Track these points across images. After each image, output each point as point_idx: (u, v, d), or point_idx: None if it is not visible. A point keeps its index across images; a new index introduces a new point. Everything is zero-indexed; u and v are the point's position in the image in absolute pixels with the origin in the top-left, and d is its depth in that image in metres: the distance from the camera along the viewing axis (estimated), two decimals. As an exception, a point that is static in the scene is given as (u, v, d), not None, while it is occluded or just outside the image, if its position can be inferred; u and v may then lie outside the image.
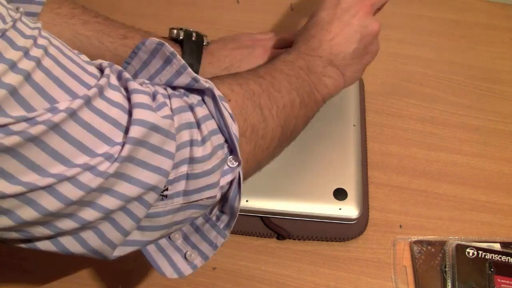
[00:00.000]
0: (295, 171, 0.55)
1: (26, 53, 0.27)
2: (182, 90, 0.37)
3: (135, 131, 0.30)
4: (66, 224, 0.30)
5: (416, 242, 0.54)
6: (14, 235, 0.30)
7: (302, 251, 0.54)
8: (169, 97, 0.35)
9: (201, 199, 0.35)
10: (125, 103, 0.31)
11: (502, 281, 0.50)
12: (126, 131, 0.30)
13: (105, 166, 0.29)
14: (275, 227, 0.54)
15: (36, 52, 0.27)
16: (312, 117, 0.49)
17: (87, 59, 0.32)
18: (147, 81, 0.36)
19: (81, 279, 0.52)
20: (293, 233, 0.54)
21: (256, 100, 0.40)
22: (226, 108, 0.36)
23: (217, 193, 0.36)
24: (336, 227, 0.54)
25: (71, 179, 0.28)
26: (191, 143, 0.34)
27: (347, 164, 0.55)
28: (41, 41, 0.28)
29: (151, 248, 0.40)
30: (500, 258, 0.52)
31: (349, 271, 0.53)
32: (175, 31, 0.56)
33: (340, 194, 0.53)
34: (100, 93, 0.30)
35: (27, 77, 0.26)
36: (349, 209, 0.53)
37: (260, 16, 0.75)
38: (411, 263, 0.53)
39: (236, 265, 0.53)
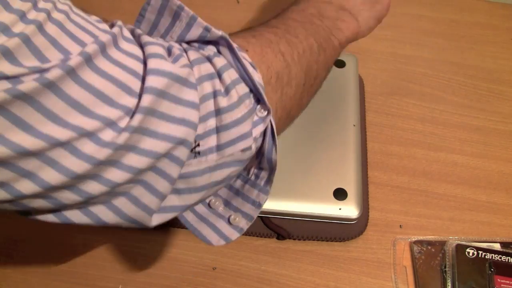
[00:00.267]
0: (295, 171, 0.55)
1: (35, 4, 0.26)
2: (196, 45, 0.35)
3: (153, 81, 0.28)
4: (94, 187, 0.28)
5: (416, 242, 0.54)
6: (41, 202, 0.28)
7: (302, 251, 0.54)
8: (185, 51, 0.33)
9: (236, 152, 0.34)
10: (140, 54, 0.30)
11: (502, 281, 0.50)
12: (143, 81, 0.29)
13: (126, 121, 0.28)
14: (275, 227, 0.54)
15: (45, 5, 0.26)
16: (332, 64, 0.48)
17: (98, 19, 0.31)
18: (160, 39, 0.34)
19: (81, 279, 0.52)
20: (293, 233, 0.54)
21: (275, 47, 0.39)
22: (244, 57, 0.35)
23: (251, 143, 0.34)
24: (336, 227, 0.54)
25: (92, 135, 0.27)
26: (214, 94, 0.32)
27: (347, 164, 0.55)
28: None
29: (192, 219, 0.39)
30: (500, 258, 0.52)
31: (349, 271, 0.53)
32: None
33: (340, 194, 0.53)
34: (115, 42, 0.29)
35: (40, 27, 0.25)
36: (349, 209, 0.53)
37: (260, 16, 0.75)
38: (411, 263, 0.53)
39: (236, 265, 0.53)
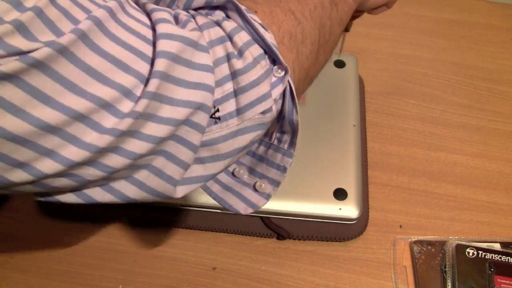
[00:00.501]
0: (295, 171, 0.55)
1: None
2: (204, 11, 0.34)
3: (164, 45, 0.28)
4: (116, 161, 0.28)
5: (416, 242, 0.54)
6: (64, 181, 0.28)
7: (302, 251, 0.54)
8: (193, 17, 0.33)
9: (257, 115, 0.33)
10: (147, 21, 0.29)
11: (502, 281, 0.50)
12: (154, 47, 0.28)
13: (141, 89, 0.27)
14: (275, 227, 0.54)
15: None
16: (346, 20, 0.46)
17: None
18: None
19: (81, 279, 0.52)
20: (293, 233, 0.54)
21: (284, 6, 0.38)
22: (254, 19, 0.34)
23: (271, 104, 0.33)
24: (336, 227, 0.54)
25: (110, 107, 0.26)
26: (228, 57, 0.32)
27: (347, 164, 0.55)
28: None
29: (217, 189, 0.38)
30: (500, 258, 0.52)
31: (349, 271, 0.53)
32: None
33: (340, 194, 0.53)
34: (122, 8, 0.28)
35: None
36: (349, 209, 0.52)
37: None
38: (411, 263, 0.53)
39: (236, 265, 0.53)
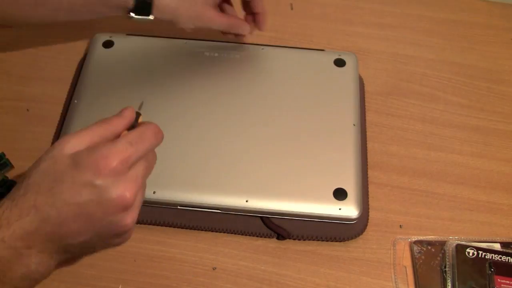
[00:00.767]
0: (295, 171, 0.55)
1: None
2: None
3: None
4: None
5: (416, 242, 0.54)
6: None
7: (302, 251, 0.54)
8: None
9: None
10: None
11: (502, 281, 0.50)
12: None
13: None
14: (275, 227, 0.54)
15: None
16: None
17: None
18: None
19: (81, 279, 0.52)
20: (293, 233, 0.54)
21: None
22: None
23: None
24: (336, 227, 0.54)
25: None
26: None
27: (347, 164, 0.55)
28: None
29: None
30: (500, 258, 0.52)
31: (349, 271, 0.53)
32: None
33: (340, 194, 0.53)
34: None
35: None
36: (349, 209, 0.52)
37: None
38: (411, 263, 0.53)
39: (236, 265, 0.53)
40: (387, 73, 0.69)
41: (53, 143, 0.60)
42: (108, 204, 0.36)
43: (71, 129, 0.58)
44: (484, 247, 0.53)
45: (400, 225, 0.56)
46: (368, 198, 0.57)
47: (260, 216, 0.54)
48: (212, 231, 0.55)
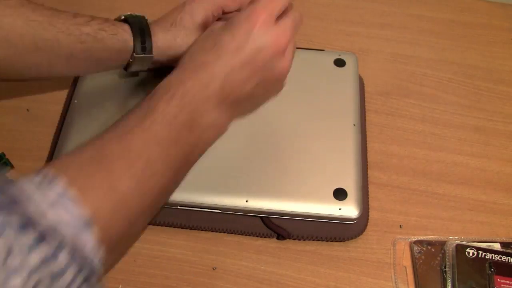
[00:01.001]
0: (295, 171, 0.55)
1: None
2: None
3: None
4: None
5: (416, 242, 0.54)
6: None
7: (302, 251, 0.54)
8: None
9: None
10: None
11: (502, 281, 0.50)
12: None
13: None
14: (275, 227, 0.54)
15: None
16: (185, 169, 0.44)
17: None
18: None
19: (81, 279, 0.52)
20: (293, 233, 0.54)
21: (125, 212, 0.36)
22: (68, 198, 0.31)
23: None
24: (336, 227, 0.54)
25: None
26: None
27: (347, 164, 0.55)
28: None
29: None
30: (500, 258, 0.52)
31: (349, 271, 0.53)
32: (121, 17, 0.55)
33: (340, 194, 0.53)
34: None
35: None
36: (349, 209, 0.52)
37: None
38: (411, 263, 0.53)
39: (236, 265, 0.53)
40: (387, 73, 0.69)
41: (53, 143, 0.60)
42: (266, 50, 0.42)
43: (71, 129, 0.58)
44: (484, 247, 0.53)
45: (400, 225, 0.56)
46: (368, 198, 0.57)
47: (260, 216, 0.54)
48: (212, 231, 0.55)
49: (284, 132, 0.58)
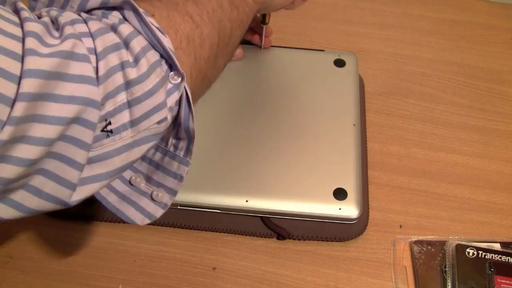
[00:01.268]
0: (295, 171, 0.55)
1: None
2: (99, 12, 0.33)
3: (31, 63, 0.26)
4: (4, 170, 0.26)
5: (416, 242, 0.54)
6: None
7: (302, 251, 0.54)
8: (85, 21, 0.31)
9: (152, 125, 0.32)
10: (19, 33, 0.27)
11: (502, 281, 0.50)
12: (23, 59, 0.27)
13: (6, 112, 0.25)
14: (275, 227, 0.54)
15: None
16: (247, 21, 0.45)
17: None
18: (55, 9, 0.32)
19: (81, 279, 0.52)
20: (293, 233, 0.54)
21: (182, 9, 0.37)
22: (152, 22, 0.32)
23: (166, 114, 0.33)
24: (336, 227, 0.54)
25: None
26: (122, 65, 0.31)
27: (347, 164, 0.55)
28: None
29: (114, 199, 0.37)
30: (500, 258, 0.52)
31: (349, 271, 0.53)
32: None
33: (340, 194, 0.53)
34: None
35: None
36: (349, 209, 0.52)
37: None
38: (411, 263, 0.53)
39: (236, 265, 0.53)
40: (387, 73, 0.69)
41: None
42: None
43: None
44: (484, 247, 0.53)
45: (400, 225, 0.56)
46: (368, 198, 0.57)
47: (260, 216, 0.55)
48: (212, 231, 0.55)
49: (284, 132, 0.58)
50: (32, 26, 0.28)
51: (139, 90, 0.31)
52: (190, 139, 0.36)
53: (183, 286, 0.52)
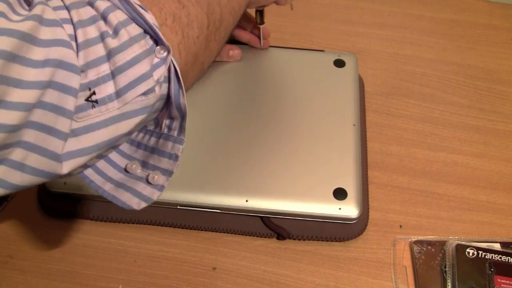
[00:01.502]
0: (295, 171, 0.55)
1: None
2: None
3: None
4: None
5: (416, 242, 0.54)
6: None
7: (302, 251, 0.54)
8: None
9: (138, 97, 0.32)
10: None
11: (502, 281, 0.50)
12: None
13: None
14: (275, 227, 0.54)
15: None
16: (239, 10, 0.46)
17: None
18: None
19: (81, 279, 0.52)
20: (293, 233, 0.54)
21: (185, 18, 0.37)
22: (134, 0, 0.33)
23: (152, 84, 0.32)
24: (336, 227, 0.54)
25: None
26: (102, 36, 0.31)
27: (347, 164, 0.55)
28: None
29: (109, 188, 0.37)
30: (500, 258, 0.52)
31: (349, 271, 0.53)
32: None
33: (340, 194, 0.53)
34: None
35: None
36: (349, 209, 0.52)
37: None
38: (411, 263, 0.53)
39: (236, 265, 0.53)
40: (387, 73, 0.69)
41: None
42: None
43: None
44: (484, 247, 0.53)
45: (400, 225, 0.56)
46: (368, 198, 0.57)
47: (260, 216, 0.55)
48: (212, 231, 0.55)
49: (284, 132, 0.58)
50: None
51: (121, 59, 0.31)
52: (183, 116, 0.36)
53: (183, 286, 0.52)
